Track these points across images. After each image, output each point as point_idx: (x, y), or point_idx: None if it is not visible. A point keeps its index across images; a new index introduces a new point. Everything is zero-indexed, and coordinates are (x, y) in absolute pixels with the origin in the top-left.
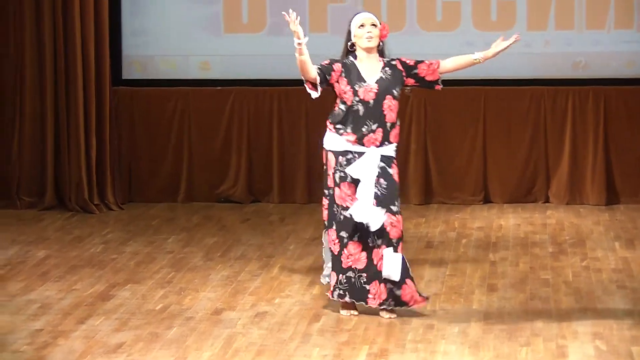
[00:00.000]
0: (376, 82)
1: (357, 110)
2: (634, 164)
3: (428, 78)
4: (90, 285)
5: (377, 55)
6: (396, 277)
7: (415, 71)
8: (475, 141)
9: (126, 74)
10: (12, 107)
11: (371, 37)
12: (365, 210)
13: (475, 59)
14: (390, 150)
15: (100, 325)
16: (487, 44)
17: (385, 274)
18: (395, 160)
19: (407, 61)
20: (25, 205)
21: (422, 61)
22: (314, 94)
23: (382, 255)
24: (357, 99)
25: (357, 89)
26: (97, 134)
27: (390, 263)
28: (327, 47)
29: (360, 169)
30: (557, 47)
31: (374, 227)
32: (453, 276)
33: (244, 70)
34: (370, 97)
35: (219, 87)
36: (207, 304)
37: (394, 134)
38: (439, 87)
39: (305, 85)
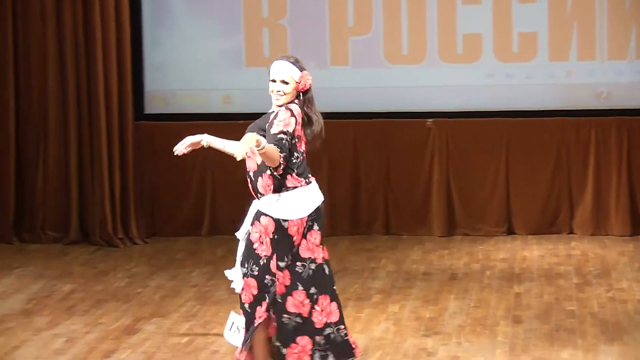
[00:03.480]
0: None
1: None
2: None
3: None
4: (116, 319)
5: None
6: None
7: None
8: (498, 172)
9: (148, 109)
10: (36, 143)
11: (280, 96)
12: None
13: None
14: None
15: (126, 359)
16: (509, 76)
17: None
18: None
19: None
20: (50, 239)
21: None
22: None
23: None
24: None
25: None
26: (121, 169)
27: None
28: (348, 80)
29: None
30: (580, 77)
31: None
32: (478, 308)
33: (265, 103)
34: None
35: (241, 121)
36: None
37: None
38: None
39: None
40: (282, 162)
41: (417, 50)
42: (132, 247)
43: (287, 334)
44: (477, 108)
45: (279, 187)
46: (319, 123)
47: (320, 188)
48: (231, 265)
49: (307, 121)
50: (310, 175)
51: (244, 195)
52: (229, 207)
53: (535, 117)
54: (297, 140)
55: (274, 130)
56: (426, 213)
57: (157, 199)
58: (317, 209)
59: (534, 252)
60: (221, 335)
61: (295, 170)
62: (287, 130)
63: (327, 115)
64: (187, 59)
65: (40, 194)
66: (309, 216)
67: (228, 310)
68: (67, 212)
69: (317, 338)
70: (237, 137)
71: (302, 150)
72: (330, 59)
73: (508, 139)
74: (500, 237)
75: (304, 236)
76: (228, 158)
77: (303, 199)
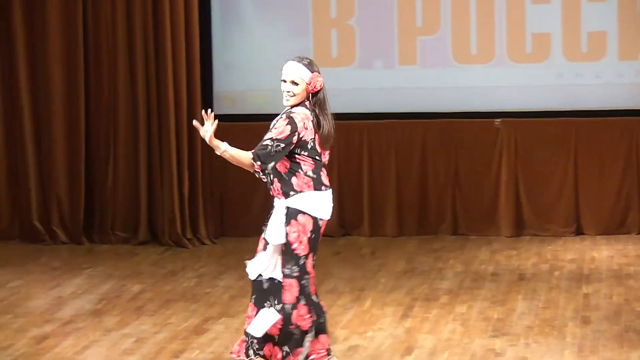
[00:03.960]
0: None
1: None
2: None
3: None
4: (185, 319)
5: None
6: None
7: None
8: (566, 172)
9: (217, 109)
10: (107, 145)
11: (290, 97)
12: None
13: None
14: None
15: (196, 359)
16: (578, 75)
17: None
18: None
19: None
20: (119, 240)
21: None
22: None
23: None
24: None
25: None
26: (190, 169)
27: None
28: (416, 79)
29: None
30: None
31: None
32: (546, 309)
33: (333, 104)
34: None
35: None
36: None
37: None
38: None
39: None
40: (257, 169)
41: (485, 49)
42: (200, 247)
43: (316, 331)
44: (545, 108)
45: (318, 185)
46: (328, 126)
47: (388, 188)
48: None
49: (316, 123)
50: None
51: None
52: None
53: (604, 117)
54: (313, 143)
55: (265, 136)
56: (494, 213)
57: (225, 199)
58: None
59: (602, 252)
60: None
61: (323, 169)
62: (279, 139)
63: (394, 116)
64: (256, 60)
65: (110, 195)
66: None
67: None
68: (136, 213)
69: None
70: None
71: (321, 152)
72: (399, 58)
73: (576, 139)
74: (569, 237)
75: None
76: None
77: (328, 201)
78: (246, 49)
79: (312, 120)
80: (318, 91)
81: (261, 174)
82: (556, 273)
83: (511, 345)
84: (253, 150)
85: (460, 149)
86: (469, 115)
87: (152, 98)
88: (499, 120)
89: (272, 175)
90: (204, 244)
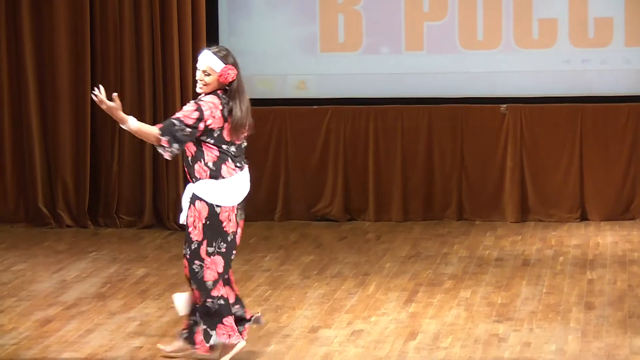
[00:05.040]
0: None
1: None
2: None
3: None
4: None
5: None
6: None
7: None
8: (572, 158)
9: None
10: (112, 128)
11: (202, 85)
12: None
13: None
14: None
15: None
16: (584, 61)
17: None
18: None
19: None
20: (124, 224)
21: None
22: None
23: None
24: None
25: None
26: None
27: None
28: (423, 65)
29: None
30: None
31: None
32: (550, 294)
33: (340, 89)
34: None
35: (316, 107)
36: (304, 322)
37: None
38: None
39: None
40: (164, 144)
41: (492, 35)
42: None
43: (215, 317)
44: (551, 94)
45: (216, 176)
46: (241, 116)
47: (394, 173)
48: (304, 250)
49: (227, 114)
50: (243, 163)
51: (318, 181)
52: (303, 192)
53: (610, 103)
54: (220, 131)
55: (174, 115)
56: (499, 199)
57: None
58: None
59: (607, 238)
60: (292, 318)
61: (229, 159)
62: (186, 123)
63: (401, 101)
64: (263, 46)
65: (115, 178)
66: (238, 204)
67: (300, 295)
68: (141, 197)
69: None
70: (313, 121)
71: (230, 140)
72: (405, 44)
73: (582, 125)
74: (574, 223)
75: (238, 225)
76: (302, 143)
77: (236, 187)
78: (253, 35)
79: (222, 110)
80: (231, 82)
81: (165, 151)
82: (560, 259)
83: (515, 330)
84: (160, 126)
85: (466, 134)
86: (475, 100)
87: (159, 84)
88: (504, 105)
89: (184, 160)
90: None
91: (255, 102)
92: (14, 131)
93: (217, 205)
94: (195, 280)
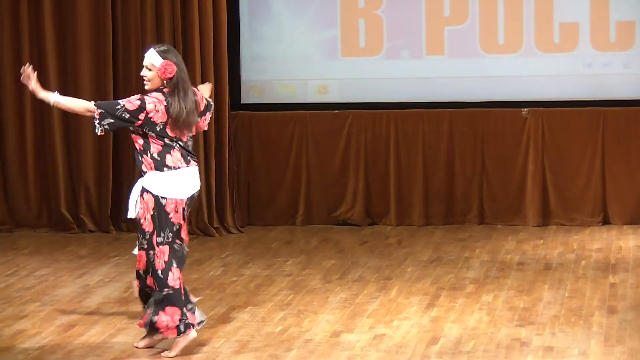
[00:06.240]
0: None
1: None
2: None
3: None
4: (211, 307)
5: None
6: None
7: None
8: (593, 162)
9: (245, 99)
10: None
11: (146, 81)
12: None
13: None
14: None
15: (221, 347)
16: (606, 65)
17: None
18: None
19: None
20: None
21: None
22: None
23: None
24: None
25: None
26: (217, 158)
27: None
28: (444, 69)
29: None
30: None
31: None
32: (572, 298)
33: (361, 93)
34: None
35: (336, 111)
36: (326, 327)
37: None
38: None
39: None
40: (96, 115)
41: (513, 39)
42: (227, 236)
43: (158, 304)
44: (573, 97)
45: (160, 166)
46: (180, 112)
47: (415, 177)
48: (325, 255)
49: (168, 109)
50: (192, 160)
51: (339, 185)
52: (324, 197)
53: (632, 107)
54: (163, 126)
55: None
56: (521, 203)
57: (252, 189)
58: (193, 195)
59: (629, 242)
60: (314, 323)
61: (173, 150)
62: (127, 108)
63: (421, 105)
64: (284, 50)
65: None
66: (187, 199)
67: (322, 300)
68: None
69: (185, 309)
70: (334, 125)
71: (174, 137)
72: (426, 48)
73: (604, 129)
74: (596, 227)
75: (184, 218)
76: (323, 147)
77: (182, 181)
78: (274, 40)
79: (165, 106)
80: (171, 78)
81: (96, 124)
82: (582, 262)
83: (537, 335)
84: (100, 102)
85: (487, 138)
86: (496, 104)
87: None
88: (526, 109)
89: (145, 152)
90: (230, 232)
91: (276, 106)
92: (37, 137)
93: (163, 197)
94: (151, 269)
